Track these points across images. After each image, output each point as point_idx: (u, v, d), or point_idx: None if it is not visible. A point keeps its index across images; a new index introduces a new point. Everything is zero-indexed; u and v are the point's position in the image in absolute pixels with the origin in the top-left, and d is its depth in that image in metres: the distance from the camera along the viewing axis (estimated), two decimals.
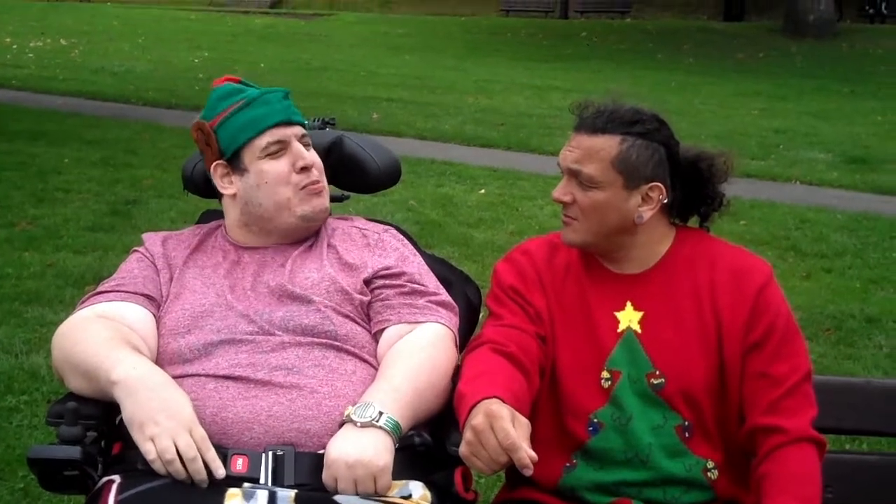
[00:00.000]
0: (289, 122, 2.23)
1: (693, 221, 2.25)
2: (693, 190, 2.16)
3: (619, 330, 2.11)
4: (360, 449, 1.88)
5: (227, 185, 2.25)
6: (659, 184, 2.08)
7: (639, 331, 2.11)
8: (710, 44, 22.33)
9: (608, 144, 2.06)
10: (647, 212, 2.09)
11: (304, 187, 2.22)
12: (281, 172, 2.20)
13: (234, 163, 2.22)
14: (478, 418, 1.82)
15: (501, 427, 1.79)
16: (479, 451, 1.81)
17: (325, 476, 1.89)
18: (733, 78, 17.82)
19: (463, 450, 1.83)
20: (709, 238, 2.21)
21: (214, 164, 2.24)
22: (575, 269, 2.18)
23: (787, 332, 2.10)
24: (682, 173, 2.14)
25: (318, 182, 2.24)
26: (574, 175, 2.08)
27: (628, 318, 2.12)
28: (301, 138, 2.25)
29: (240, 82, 2.30)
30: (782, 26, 23.04)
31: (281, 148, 2.21)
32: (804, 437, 2.04)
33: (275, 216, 2.23)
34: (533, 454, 1.79)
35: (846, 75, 18.13)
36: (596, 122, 2.08)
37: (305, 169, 2.22)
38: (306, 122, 2.52)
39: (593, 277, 2.16)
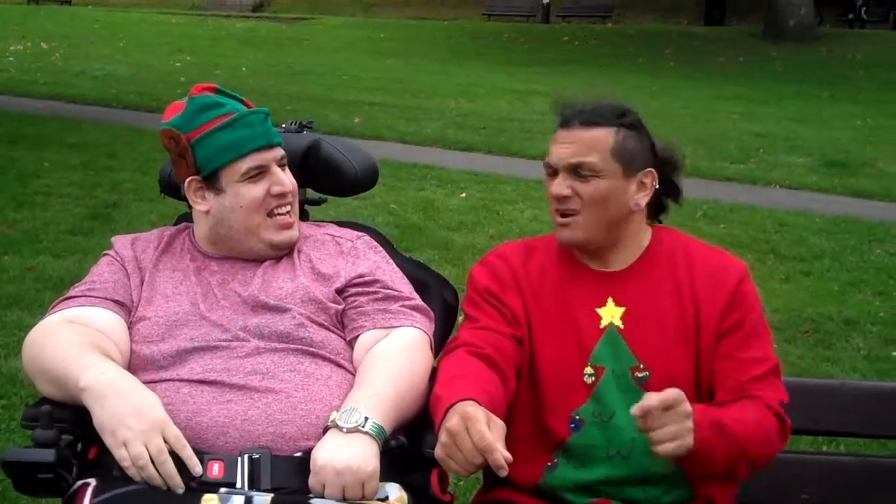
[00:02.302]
0: (269, 146, 2.22)
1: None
2: (663, 179, 2.20)
3: (601, 326, 2.13)
4: (349, 455, 1.88)
5: (199, 201, 2.23)
6: (652, 170, 2.14)
7: (621, 326, 2.12)
8: (690, 48, 22.44)
9: (604, 135, 2.09)
10: (643, 198, 2.13)
11: (275, 215, 2.21)
12: (256, 198, 2.19)
13: (210, 181, 2.20)
14: (453, 420, 1.82)
15: (477, 429, 1.79)
16: (455, 453, 1.81)
17: (313, 482, 1.89)
18: (714, 82, 17.92)
19: (438, 452, 1.83)
20: (684, 236, 2.25)
21: (189, 179, 2.22)
22: (552, 271, 2.19)
23: (758, 328, 2.14)
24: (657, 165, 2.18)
25: (288, 214, 2.24)
26: (572, 169, 2.10)
27: (610, 314, 2.14)
28: (279, 160, 2.24)
29: (217, 90, 2.26)
30: (763, 31, 23.17)
31: (260, 172, 2.20)
32: (769, 406, 2.06)
33: (243, 240, 2.22)
34: (508, 455, 1.79)
35: (826, 80, 18.24)
36: (588, 115, 2.11)
37: (281, 195, 2.22)
38: (283, 125, 2.52)
39: (573, 276, 2.18)
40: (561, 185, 2.11)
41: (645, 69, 19.64)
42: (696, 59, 21.04)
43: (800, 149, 11.29)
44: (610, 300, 2.15)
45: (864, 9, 26.47)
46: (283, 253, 2.26)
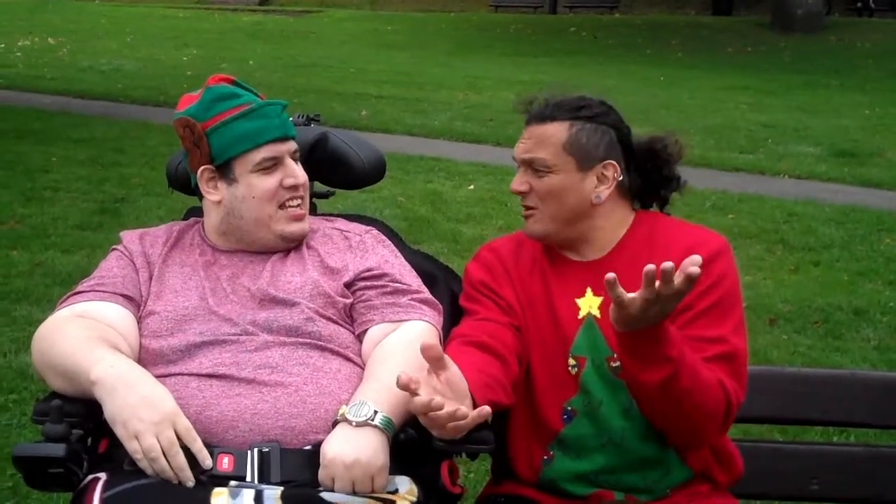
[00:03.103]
0: (285, 138, 2.22)
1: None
2: (652, 173, 2.21)
3: (580, 316, 2.14)
4: (358, 449, 1.88)
5: (211, 191, 2.23)
6: (613, 162, 2.13)
7: (598, 315, 2.13)
8: (698, 38, 22.36)
9: (558, 130, 2.12)
10: (604, 191, 2.14)
11: (287, 207, 2.21)
12: (269, 189, 2.19)
13: (224, 170, 2.20)
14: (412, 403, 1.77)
15: (401, 383, 1.73)
16: (436, 420, 1.76)
17: (322, 475, 1.89)
18: (722, 72, 17.85)
19: (435, 434, 1.82)
20: (666, 219, 2.24)
21: (202, 168, 2.22)
22: (540, 262, 2.22)
23: (725, 304, 2.07)
24: (639, 158, 2.19)
25: (300, 206, 2.24)
26: (528, 164, 2.14)
27: (588, 304, 2.15)
28: (293, 153, 2.24)
29: (233, 82, 2.26)
30: (770, 21, 23.08)
31: (274, 164, 2.20)
32: (722, 383, 1.99)
33: (253, 231, 2.22)
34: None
35: (834, 69, 18.16)
36: (544, 111, 2.15)
37: (293, 188, 2.22)
38: (291, 118, 2.52)
39: (556, 268, 2.20)
40: (518, 181, 2.17)
41: (652, 60, 19.58)
42: (703, 50, 20.97)
43: (808, 139, 11.25)
44: (588, 290, 2.16)
45: None
46: (293, 245, 2.26)
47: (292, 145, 2.24)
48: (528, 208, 2.17)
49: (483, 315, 2.14)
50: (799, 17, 22.35)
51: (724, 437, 2.18)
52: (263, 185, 2.19)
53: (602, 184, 2.13)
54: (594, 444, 2.10)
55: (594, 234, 2.17)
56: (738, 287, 2.14)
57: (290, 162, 2.22)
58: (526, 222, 2.19)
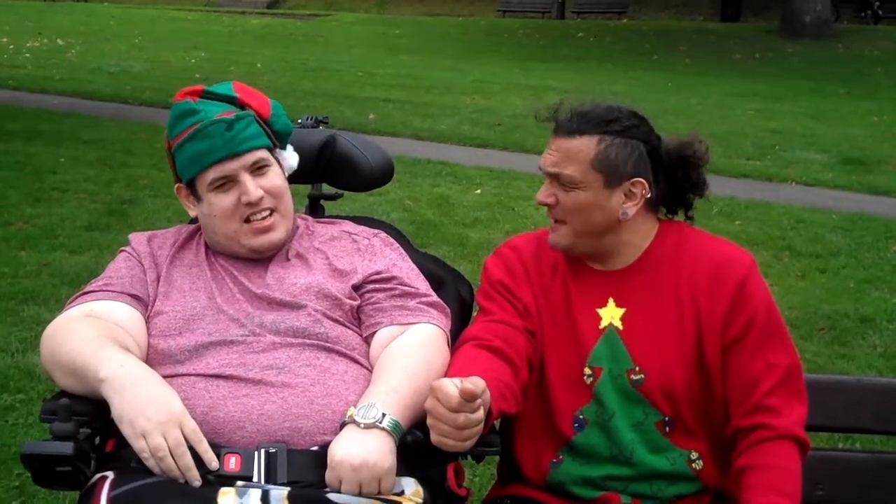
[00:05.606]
0: (232, 156, 2.16)
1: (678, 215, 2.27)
2: (683, 181, 2.17)
3: (600, 326, 2.13)
4: (366, 451, 1.88)
5: (191, 206, 2.26)
6: (641, 179, 2.09)
7: (620, 327, 2.12)
8: (706, 44, 22.38)
9: (586, 146, 2.06)
10: (632, 208, 2.10)
11: (252, 221, 2.18)
12: (227, 208, 2.17)
13: (191, 188, 2.22)
14: (427, 401, 1.82)
15: (444, 393, 1.78)
16: (441, 427, 1.80)
17: (329, 477, 1.89)
18: (730, 78, 17.85)
19: (433, 439, 1.83)
20: (690, 230, 2.22)
21: (177, 185, 2.26)
22: (561, 266, 2.19)
23: (769, 326, 2.09)
24: (670, 165, 2.15)
25: (266, 219, 2.19)
26: (555, 178, 2.10)
27: (610, 314, 2.13)
28: (252, 165, 2.18)
29: (203, 92, 2.25)
30: (779, 27, 23.10)
31: (226, 182, 2.17)
32: (788, 435, 2.03)
33: (227, 246, 2.22)
34: (458, 384, 1.76)
35: (842, 76, 18.16)
36: (572, 124, 2.08)
37: (252, 203, 2.17)
38: (299, 120, 2.51)
39: (577, 275, 2.18)
40: (544, 193, 2.13)
41: (660, 66, 19.60)
42: (711, 56, 20.98)
43: (816, 146, 11.25)
44: (611, 300, 2.15)
45: (877, 4, 26.34)
46: (269, 254, 2.24)
47: (247, 160, 2.17)
48: (553, 220, 2.13)
49: (498, 317, 2.13)
50: (807, 24, 22.36)
51: None
52: (221, 204, 2.17)
53: (630, 200, 2.08)
54: (604, 454, 2.10)
55: (620, 248, 2.14)
56: (772, 300, 2.13)
57: (245, 178, 2.16)
58: (551, 234, 2.16)
